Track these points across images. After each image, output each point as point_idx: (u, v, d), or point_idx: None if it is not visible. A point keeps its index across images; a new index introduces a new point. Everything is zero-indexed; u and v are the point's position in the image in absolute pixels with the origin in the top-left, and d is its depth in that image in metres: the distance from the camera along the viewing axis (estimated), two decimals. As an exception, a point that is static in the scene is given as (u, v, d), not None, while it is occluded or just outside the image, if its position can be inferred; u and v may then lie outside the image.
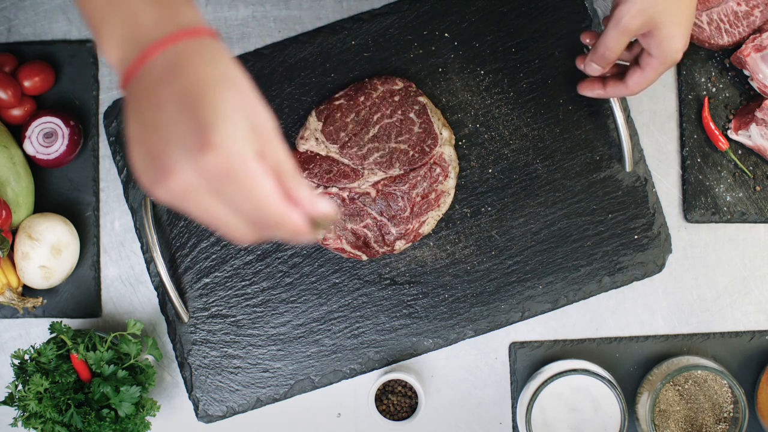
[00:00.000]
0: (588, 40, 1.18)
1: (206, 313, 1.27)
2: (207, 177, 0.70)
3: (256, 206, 0.72)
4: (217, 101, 0.70)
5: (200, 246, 1.27)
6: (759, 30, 1.25)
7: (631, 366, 1.28)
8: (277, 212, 0.72)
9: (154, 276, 1.28)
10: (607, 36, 1.08)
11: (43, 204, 1.28)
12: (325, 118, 1.23)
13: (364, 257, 1.23)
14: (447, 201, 1.24)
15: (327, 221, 0.74)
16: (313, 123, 1.23)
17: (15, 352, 1.21)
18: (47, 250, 1.22)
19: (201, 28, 0.75)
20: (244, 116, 0.71)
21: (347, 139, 1.22)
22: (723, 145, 1.26)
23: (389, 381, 1.26)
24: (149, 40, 0.74)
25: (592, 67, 1.13)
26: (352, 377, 1.28)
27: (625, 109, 1.27)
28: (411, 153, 1.22)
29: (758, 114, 1.23)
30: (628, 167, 1.24)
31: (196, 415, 1.28)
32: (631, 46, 1.14)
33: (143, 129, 0.73)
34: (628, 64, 1.15)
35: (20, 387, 1.24)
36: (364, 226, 1.22)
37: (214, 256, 1.27)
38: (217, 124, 0.69)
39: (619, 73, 1.16)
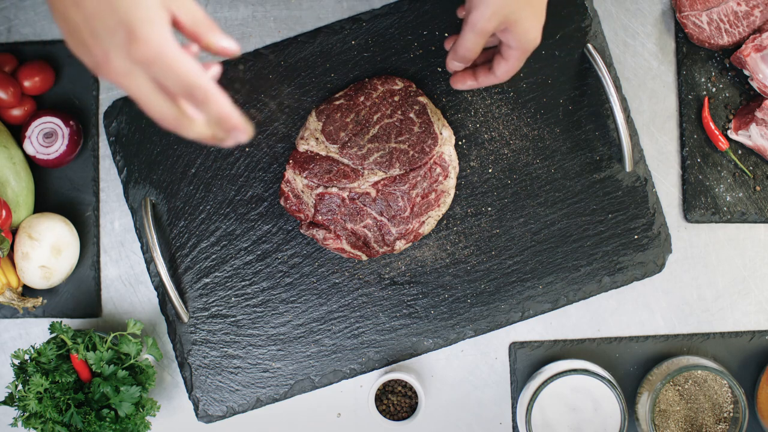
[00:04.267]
0: (450, 45, 1.19)
1: (206, 313, 1.27)
2: (138, 63, 0.81)
3: (181, 80, 0.81)
4: None
5: (200, 246, 1.27)
6: (759, 30, 1.25)
7: (631, 366, 1.28)
8: (199, 82, 0.82)
9: (154, 276, 1.28)
10: (464, 39, 1.09)
11: (43, 204, 1.28)
12: (325, 118, 1.23)
13: (364, 257, 1.23)
14: (447, 201, 1.24)
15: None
16: (313, 123, 1.23)
17: (15, 352, 1.21)
18: (47, 250, 1.22)
19: None
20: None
21: (347, 139, 1.22)
22: (723, 145, 1.26)
23: (389, 381, 1.26)
24: None
25: (454, 65, 1.15)
26: (352, 377, 1.28)
27: (625, 109, 1.27)
28: (411, 153, 1.22)
29: (758, 114, 1.23)
30: (628, 167, 1.24)
31: (196, 415, 1.28)
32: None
33: (71, 24, 0.82)
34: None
35: (20, 387, 1.24)
36: (364, 226, 1.22)
37: (214, 256, 1.27)
38: (140, 21, 0.80)
39: (487, 61, 1.16)
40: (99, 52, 0.82)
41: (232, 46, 0.86)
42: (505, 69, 1.12)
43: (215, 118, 0.84)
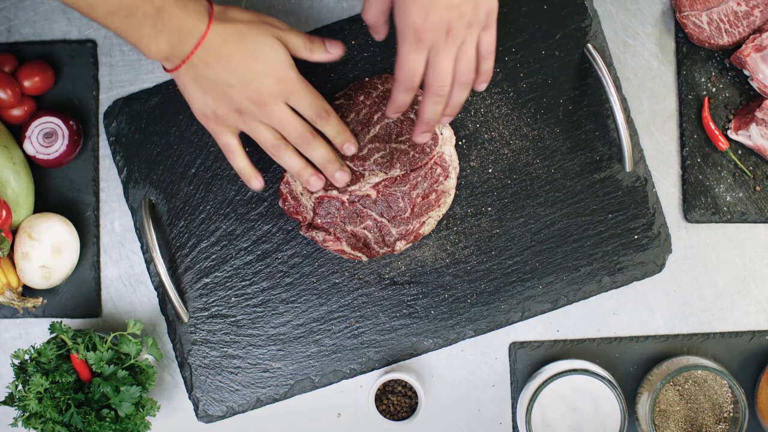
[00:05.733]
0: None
1: (206, 313, 1.27)
2: (283, 95, 1.12)
3: (313, 103, 1.13)
4: (260, 75, 1.10)
5: (200, 246, 1.27)
6: (759, 30, 1.25)
7: (631, 366, 1.28)
8: (326, 105, 1.14)
9: (154, 276, 1.28)
10: (363, 6, 1.12)
11: (43, 204, 1.28)
12: (325, 118, 1.23)
13: (364, 258, 1.23)
14: (447, 201, 1.24)
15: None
16: (313, 123, 1.23)
17: (15, 352, 1.21)
18: (47, 250, 1.22)
19: (210, 21, 1.09)
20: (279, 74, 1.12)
21: (347, 139, 1.22)
22: (723, 145, 1.26)
23: (389, 381, 1.26)
24: (194, 41, 1.08)
25: (376, 32, 1.14)
26: (352, 377, 1.28)
27: (625, 109, 1.27)
28: (411, 153, 1.22)
29: (758, 114, 1.23)
30: (628, 167, 1.24)
31: (196, 415, 1.28)
32: None
33: (214, 94, 1.11)
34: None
35: (20, 387, 1.24)
36: (364, 228, 1.22)
37: (214, 256, 1.27)
38: (283, 69, 1.11)
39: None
40: (254, 98, 1.11)
41: (338, 51, 1.17)
42: (397, 59, 1.08)
43: (335, 131, 1.15)
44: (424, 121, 1.13)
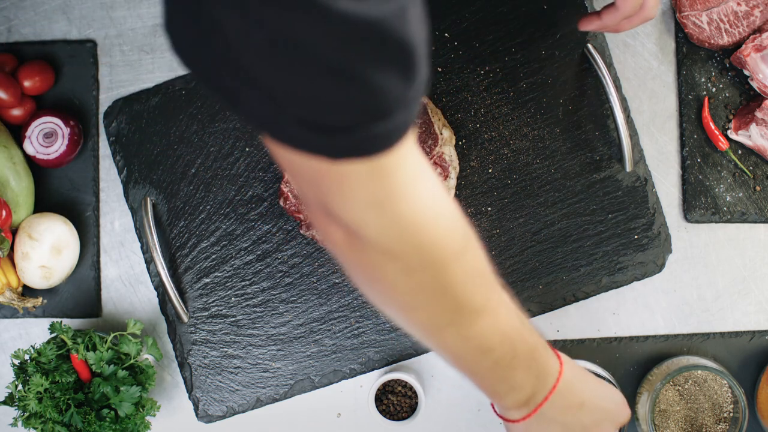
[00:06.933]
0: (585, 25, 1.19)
1: (206, 313, 1.27)
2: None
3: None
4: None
5: (200, 246, 1.27)
6: (759, 30, 1.25)
7: (631, 366, 1.28)
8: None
9: (154, 276, 1.28)
10: None
11: (43, 204, 1.28)
12: (325, 118, 1.23)
13: (364, 257, 1.23)
14: (447, 201, 1.23)
15: None
16: (313, 123, 1.23)
17: (15, 352, 1.21)
18: (47, 250, 1.22)
19: (558, 357, 1.01)
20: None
21: (347, 139, 1.22)
22: (723, 145, 1.26)
23: (389, 381, 1.26)
24: (552, 382, 0.99)
25: None
26: (352, 377, 1.28)
27: (625, 109, 1.27)
28: (411, 153, 1.22)
29: (758, 114, 1.23)
30: (628, 167, 1.24)
31: (196, 415, 1.28)
32: None
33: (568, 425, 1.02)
34: None
35: (20, 387, 1.24)
36: (364, 226, 1.22)
37: (214, 256, 1.27)
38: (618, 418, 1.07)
39: (611, 4, 1.16)
40: None
41: None
42: None
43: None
44: (615, 30, 1.17)
